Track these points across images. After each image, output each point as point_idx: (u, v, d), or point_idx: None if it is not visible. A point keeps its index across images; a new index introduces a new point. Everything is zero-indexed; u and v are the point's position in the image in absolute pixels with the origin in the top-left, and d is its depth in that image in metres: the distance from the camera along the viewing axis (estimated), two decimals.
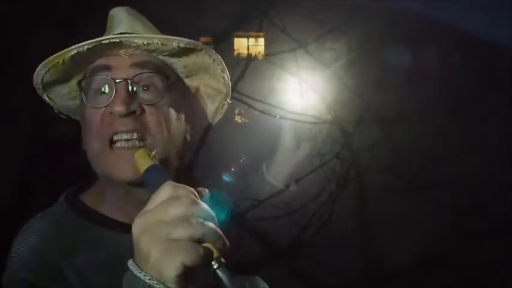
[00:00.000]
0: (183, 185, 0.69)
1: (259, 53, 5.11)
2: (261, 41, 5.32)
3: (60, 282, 0.87)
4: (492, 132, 4.66)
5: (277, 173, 1.23)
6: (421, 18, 5.62)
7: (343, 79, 3.93)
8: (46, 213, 1.00)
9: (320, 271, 3.89)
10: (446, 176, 4.46)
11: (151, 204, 0.67)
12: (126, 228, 0.69)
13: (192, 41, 0.95)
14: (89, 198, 1.01)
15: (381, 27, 4.92)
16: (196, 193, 0.69)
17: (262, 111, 3.37)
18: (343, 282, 4.01)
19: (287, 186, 1.27)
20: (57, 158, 2.91)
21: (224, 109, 1.08)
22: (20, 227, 0.99)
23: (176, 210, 0.65)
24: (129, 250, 0.68)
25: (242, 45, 5.29)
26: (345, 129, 3.87)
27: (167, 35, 0.95)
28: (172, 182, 0.69)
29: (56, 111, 1.06)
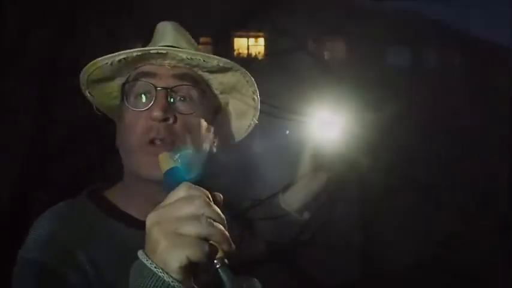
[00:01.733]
0: (198, 186, 0.74)
1: (259, 53, 5.12)
2: (261, 41, 5.33)
3: (72, 265, 0.92)
4: (492, 132, 4.67)
5: (293, 201, 1.27)
6: (421, 18, 5.63)
7: (343, 79, 3.93)
8: (67, 202, 1.05)
9: (320, 271, 3.89)
10: (446, 176, 4.47)
11: (167, 201, 0.73)
12: (143, 225, 0.73)
13: (231, 62, 1.03)
14: (111, 194, 1.06)
15: (381, 27, 4.92)
16: (210, 196, 0.74)
17: (262, 111, 3.37)
18: (343, 282, 4.02)
19: (301, 214, 1.29)
20: (57, 158, 2.91)
21: (251, 128, 1.15)
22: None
23: (188, 208, 0.70)
24: (142, 247, 0.72)
25: (242, 45, 5.30)
26: (345, 129, 3.86)
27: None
28: (188, 183, 0.74)
29: (94, 108, 1.12)
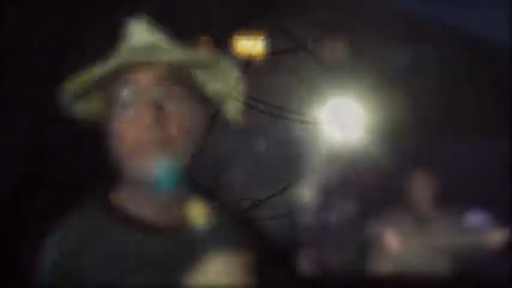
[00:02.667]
0: (235, 256, 0.77)
1: (259, 53, 5.12)
2: (261, 41, 5.32)
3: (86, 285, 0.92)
4: (492, 132, 4.67)
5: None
6: (421, 18, 5.63)
7: (343, 79, 3.93)
8: (77, 214, 1.04)
9: (320, 271, 3.89)
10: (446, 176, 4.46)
11: (206, 269, 0.76)
12: (153, 228, 0.74)
13: (207, 57, 1.02)
14: (118, 198, 1.04)
15: (381, 27, 4.93)
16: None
17: (262, 112, 3.38)
18: (343, 282, 4.02)
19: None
20: (57, 158, 2.92)
21: (239, 111, 1.14)
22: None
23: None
24: (159, 251, 0.73)
25: (242, 45, 5.29)
26: (345, 129, 3.87)
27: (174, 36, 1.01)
28: (226, 255, 0.77)
29: (83, 122, 1.11)
